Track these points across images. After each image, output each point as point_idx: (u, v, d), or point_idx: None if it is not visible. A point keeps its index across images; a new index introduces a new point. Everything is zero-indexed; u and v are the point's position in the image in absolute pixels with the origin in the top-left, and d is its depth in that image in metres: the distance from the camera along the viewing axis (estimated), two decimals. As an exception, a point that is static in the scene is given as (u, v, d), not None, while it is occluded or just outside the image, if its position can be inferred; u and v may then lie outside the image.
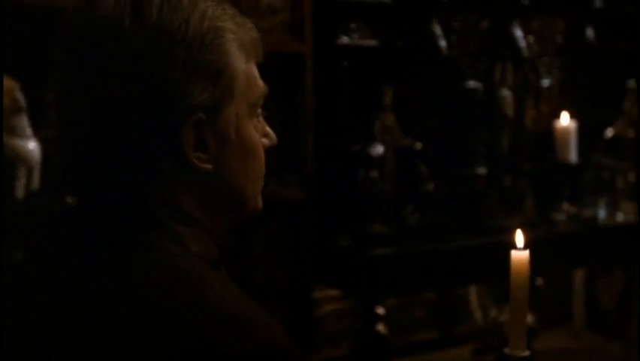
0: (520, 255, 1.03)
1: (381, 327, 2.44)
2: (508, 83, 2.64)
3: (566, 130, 2.72)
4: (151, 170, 0.83)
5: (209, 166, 0.85)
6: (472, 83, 2.63)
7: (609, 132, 2.92)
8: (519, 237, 1.03)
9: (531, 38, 2.75)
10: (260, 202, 0.93)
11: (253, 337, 0.75)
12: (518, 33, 2.70)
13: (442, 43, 2.57)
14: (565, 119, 2.71)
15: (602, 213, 2.82)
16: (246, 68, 0.87)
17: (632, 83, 2.91)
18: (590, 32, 2.88)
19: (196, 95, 0.82)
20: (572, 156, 2.72)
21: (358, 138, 2.44)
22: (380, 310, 2.46)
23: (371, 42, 2.50)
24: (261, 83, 0.90)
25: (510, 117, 2.64)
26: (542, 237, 2.63)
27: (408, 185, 2.54)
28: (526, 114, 2.74)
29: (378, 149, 2.42)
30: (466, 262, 2.52)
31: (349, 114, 2.48)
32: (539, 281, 2.80)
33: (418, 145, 2.54)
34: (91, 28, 0.82)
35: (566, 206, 2.73)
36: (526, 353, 1.04)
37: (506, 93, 2.63)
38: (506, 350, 1.05)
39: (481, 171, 2.64)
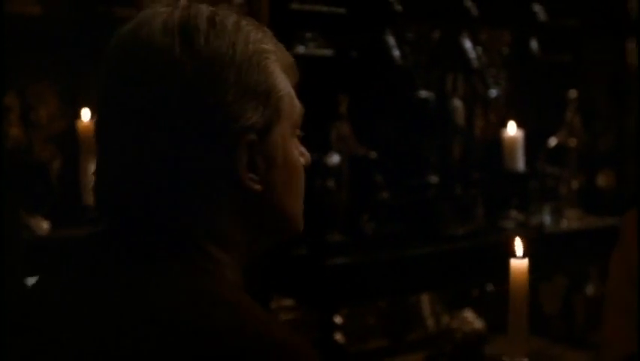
0: (519, 263, 1.05)
1: (338, 336, 2.44)
2: (459, 93, 2.69)
3: (513, 139, 2.78)
4: (203, 193, 0.84)
5: (259, 187, 0.86)
6: (424, 93, 2.67)
7: (552, 141, 3.01)
8: (518, 246, 1.05)
9: (479, 49, 2.80)
10: (302, 222, 0.94)
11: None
12: (467, 44, 2.76)
13: (396, 53, 2.60)
14: (512, 129, 2.78)
15: (547, 220, 2.90)
16: (289, 89, 0.88)
17: (573, 94, 3.01)
18: (534, 44, 2.96)
19: (248, 116, 0.83)
20: (519, 164, 2.79)
21: (314, 148, 2.44)
22: (337, 319, 2.46)
23: (326, 52, 2.52)
24: (298, 103, 0.91)
25: (461, 127, 2.69)
26: (492, 244, 2.70)
27: (363, 194, 2.55)
28: (475, 124, 2.80)
29: (335, 158, 2.43)
30: (420, 270, 2.56)
31: (305, 123, 2.47)
32: (490, 287, 2.85)
33: (373, 154, 2.56)
34: (142, 57, 0.84)
35: (513, 213, 2.80)
36: (525, 359, 1.07)
37: (457, 103, 2.68)
38: (505, 358, 1.07)
39: (434, 179, 2.68)
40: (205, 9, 0.88)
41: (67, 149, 2.28)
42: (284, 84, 0.88)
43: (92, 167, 2.47)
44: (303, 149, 0.95)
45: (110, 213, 0.87)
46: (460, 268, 2.66)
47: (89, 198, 2.25)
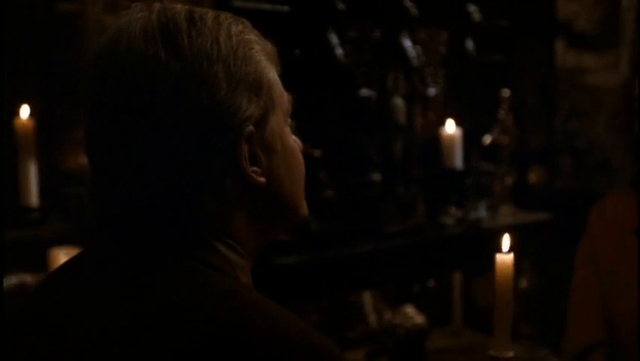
0: (504, 258, 1.07)
1: (286, 335, 2.44)
2: (401, 92, 2.73)
3: (451, 137, 2.83)
4: (210, 194, 0.82)
5: (263, 180, 0.85)
6: (365, 92, 2.69)
7: (486, 139, 3.08)
8: (505, 241, 1.07)
9: (419, 49, 2.84)
10: (306, 207, 0.93)
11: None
12: (407, 43, 2.79)
13: (339, 51, 2.61)
14: (450, 127, 2.83)
15: (483, 216, 2.96)
16: (276, 77, 0.87)
17: (506, 93, 3.08)
18: (469, 44, 3.03)
19: (244, 108, 0.82)
20: (458, 162, 2.84)
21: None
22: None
23: (270, 49, 2.50)
24: (285, 91, 0.90)
25: (402, 125, 2.73)
26: (433, 240, 2.75)
27: (307, 192, 2.55)
28: (415, 122, 2.83)
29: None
30: (364, 267, 2.58)
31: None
32: (431, 283, 2.90)
33: (317, 152, 2.56)
34: (128, 66, 0.82)
35: (453, 210, 2.85)
36: (511, 353, 1.09)
37: (399, 101, 2.72)
38: (491, 352, 1.09)
39: (376, 177, 2.70)
40: (181, 8, 0.86)
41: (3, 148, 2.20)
42: (272, 73, 0.88)
43: (31, 167, 2.37)
44: (294, 136, 0.93)
45: (116, 223, 0.84)
46: (402, 265, 2.70)
47: (29, 199, 2.18)
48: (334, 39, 2.61)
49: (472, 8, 2.99)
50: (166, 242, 0.81)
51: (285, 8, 2.53)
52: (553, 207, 3.17)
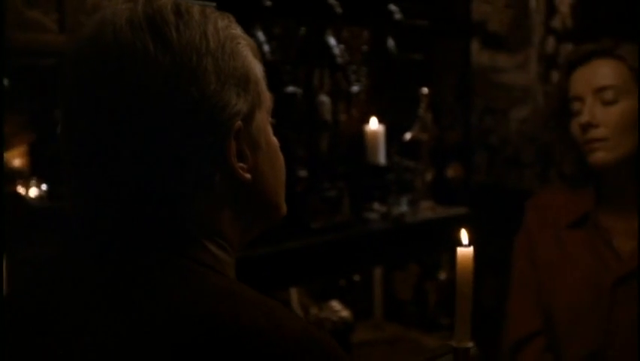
0: (465, 251, 1.11)
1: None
2: (326, 89, 2.75)
3: (374, 134, 2.89)
4: (199, 189, 0.82)
5: (249, 176, 0.85)
6: (291, 89, 2.70)
7: (407, 136, 3.15)
8: (464, 235, 1.12)
9: (342, 47, 2.88)
10: (285, 206, 0.94)
11: (340, 357, 0.76)
12: (332, 41, 2.82)
13: (266, 48, 2.61)
14: (374, 124, 2.88)
15: (405, 211, 3.03)
16: (262, 73, 0.88)
17: (425, 91, 3.16)
18: (390, 43, 3.08)
19: (233, 103, 0.81)
20: (381, 158, 2.90)
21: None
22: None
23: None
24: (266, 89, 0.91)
25: (328, 122, 2.75)
26: (358, 236, 2.79)
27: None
28: (339, 119, 2.87)
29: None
30: (291, 264, 2.59)
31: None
32: (357, 277, 2.94)
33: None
34: (115, 58, 0.80)
35: (376, 206, 2.90)
36: (470, 344, 1.12)
37: (324, 99, 2.74)
38: (452, 343, 1.12)
39: (303, 174, 2.72)
40: (166, 1, 0.86)
41: None
42: (257, 68, 0.88)
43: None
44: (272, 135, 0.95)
45: (101, 223, 0.83)
46: (329, 260, 2.73)
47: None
48: (261, 36, 2.61)
49: (393, 8, 3.05)
50: (157, 241, 0.80)
51: (212, 4, 2.51)
52: (470, 201, 3.27)
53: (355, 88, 2.96)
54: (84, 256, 0.82)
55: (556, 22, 3.18)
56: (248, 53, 0.87)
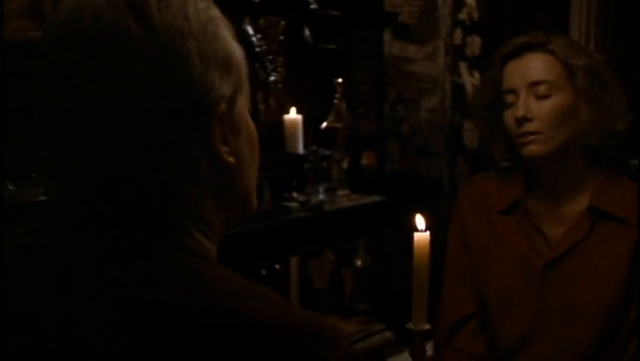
0: (421, 236, 1.13)
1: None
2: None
3: (293, 123, 2.90)
4: (185, 175, 0.79)
5: (233, 160, 0.83)
6: (273, 77, 2.69)
7: (323, 125, 3.18)
8: (420, 220, 1.14)
9: (259, 36, 2.88)
10: (256, 201, 0.92)
11: (342, 344, 0.77)
12: (249, 30, 2.82)
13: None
14: (292, 113, 2.90)
15: (324, 200, 3.06)
16: (243, 57, 0.87)
17: (339, 80, 3.20)
18: (306, 32, 3.11)
19: (217, 86, 0.79)
20: (299, 147, 2.92)
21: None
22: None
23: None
24: None
25: (250, 111, 2.75)
26: (279, 224, 2.81)
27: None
28: (259, 109, 2.87)
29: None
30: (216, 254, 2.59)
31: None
32: (278, 266, 2.96)
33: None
34: (96, 40, 0.77)
35: (296, 194, 2.92)
36: (427, 326, 1.15)
37: (244, 88, 2.74)
38: (409, 325, 1.15)
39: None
40: None
41: None
42: (239, 52, 0.86)
43: None
44: None
45: (79, 210, 0.79)
46: (251, 250, 2.73)
47: None
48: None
49: (309, -3, 3.08)
50: (146, 230, 0.77)
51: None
52: (383, 189, 3.34)
53: (273, 77, 2.97)
54: (67, 248, 0.80)
55: (463, 15, 3.28)
56: (228, 35, 0.85)
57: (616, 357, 1.71)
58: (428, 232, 1.15)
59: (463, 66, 3.28)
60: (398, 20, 3.52)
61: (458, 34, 3.31)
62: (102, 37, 0.76)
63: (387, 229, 3.36)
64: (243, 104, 0.86)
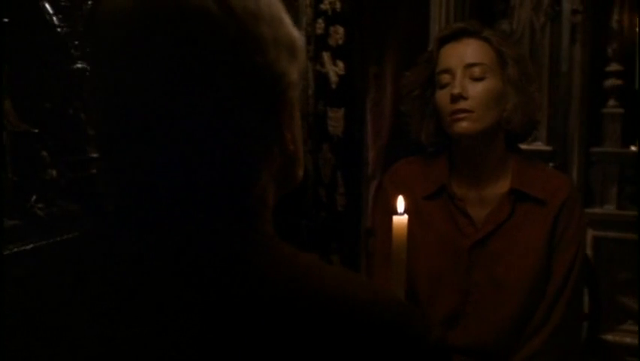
0: (400, 219, 1.18)
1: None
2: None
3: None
4: (260, 160, 0.77)
5: (293, 148, 0.82)
6: (81, 64, 2.54)
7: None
8: (400, 203, 1.18)
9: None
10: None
11: (431, 326, 0.78)
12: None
13: (55, 21, 2.43)
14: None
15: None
16: (302, 40, 0.86)
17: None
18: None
19: (289, 72, 0.79)
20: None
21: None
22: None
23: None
24: None
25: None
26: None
27: (28, 172, 2.35)
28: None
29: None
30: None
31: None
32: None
33: (35, 130, 2.36)
34: (179, 19, 0.73)
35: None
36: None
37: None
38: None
39: (94, 154, 2.58)
40: None
41: None
42: (298, 35, 0.86)
43: None
44: None
45: (151, 196, 0.75)
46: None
47: None
48: (48, 7, 2.41)
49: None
50: (224, 214, 0.74)
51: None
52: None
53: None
54: (134, 234, 0.75)
55: (325, 5, 3.33)
56: (288, 19, 0.84)
57: (537, 327, 1.85)
58: (406, 215, 1.20)
59: (326, 56, 3.34)
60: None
61: (320, 24, 3.35)
62: (183, 15, 0.73)
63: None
64: (297, 90, 0.86)
